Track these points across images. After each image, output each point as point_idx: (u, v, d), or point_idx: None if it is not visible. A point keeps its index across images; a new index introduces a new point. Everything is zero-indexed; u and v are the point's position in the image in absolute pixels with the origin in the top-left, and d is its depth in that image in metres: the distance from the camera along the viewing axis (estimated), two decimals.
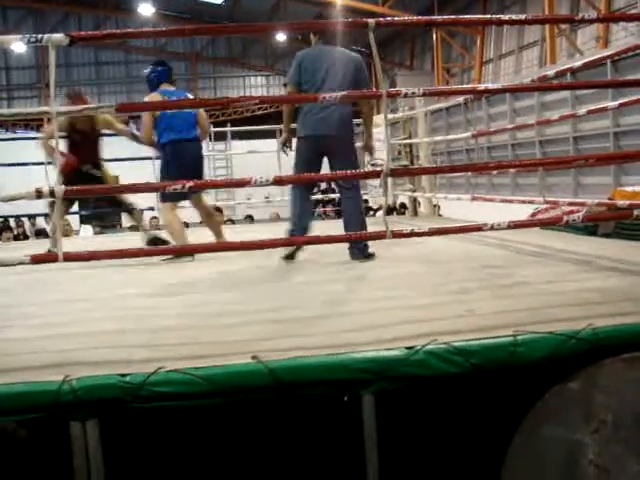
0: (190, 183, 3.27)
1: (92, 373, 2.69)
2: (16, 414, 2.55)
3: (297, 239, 3.50)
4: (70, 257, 3.39)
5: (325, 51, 5.60)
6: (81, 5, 29.93)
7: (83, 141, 6.92)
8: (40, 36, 3.49)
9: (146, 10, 26.92)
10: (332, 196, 19.30)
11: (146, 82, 6.65)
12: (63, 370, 2.73)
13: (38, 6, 30.31)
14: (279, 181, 3.48)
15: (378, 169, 3.71)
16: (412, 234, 3.71)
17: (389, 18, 3.83)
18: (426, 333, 2.95)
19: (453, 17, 4.15)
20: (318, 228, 6.07)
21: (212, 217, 6.93)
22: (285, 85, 6.63)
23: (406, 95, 3.52)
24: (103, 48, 30.95)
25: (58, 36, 3.48)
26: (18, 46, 24.16)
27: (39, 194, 3.37)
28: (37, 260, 3.45)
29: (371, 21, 3.55)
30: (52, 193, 3.30)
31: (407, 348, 2.78)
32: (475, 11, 21.36)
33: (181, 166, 6.31)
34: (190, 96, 6.55)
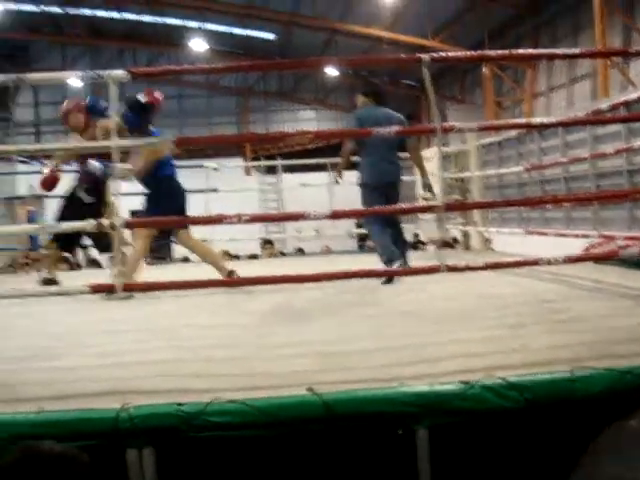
0: (247, 216, 3.32)
1: (149, 402, 2.74)
2: (75, 440, 2.58)
3: (359, 272, 3.50)
4: (129, 288, 3.45)
5: (378, 112, 6.59)
6: (135, 41, 30.52)
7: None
8: (101, 72, 3.60)
9: (199, 46, 27.40)
10: None
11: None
12: (121, 398, 2.78)
13: (94, 42, 31.02)
14: (335, 215, 3.51)
15: (432, 203, 3.70)
16: (467, 268, 3.70)
17: (442, 54, 3.86)
18: (480, 367, 2.95)
19: (506, 52, 4.17)
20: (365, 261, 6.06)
21: (206, 254, 6.75)
22: None
23: (461, 130, 3.53)
24: (156, 83, 31.46)
25: (119, 72, 3.58)
26: (74, 80, 24.67)
27: (100, 226, 3.45)
28: (96, 290, 3.52)
29: (425, 57, 3.58)
30: (112, 226, 3.38)
31: (462, 382, 2.77)
32: (526, 44, 21.29)
33: (174, 199, 6.50)
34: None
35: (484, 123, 3.69)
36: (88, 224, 3.46)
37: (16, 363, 3.57)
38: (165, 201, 6.43)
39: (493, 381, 2.77)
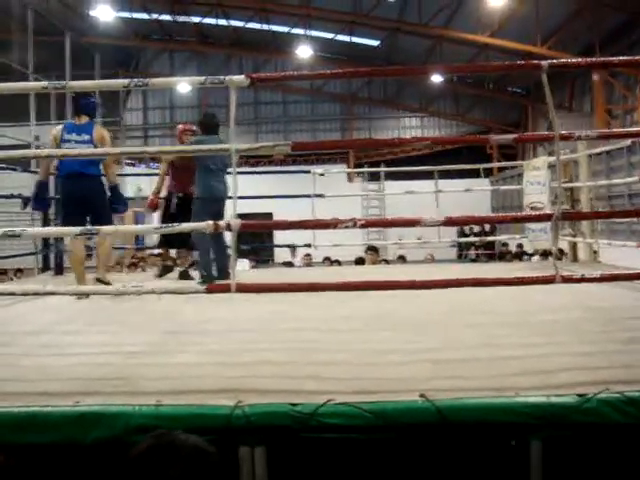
0: (362, 221, 3.34)
1: (263, 401, 2.79)
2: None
3: (467, 280, 3.47)
4: (242, 288, 3.52)
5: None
6: (242, 48, 31.09)
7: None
8: (222, 78, 3.67)
9: (305, 52, 27.67)
10: (488, 239, 19.12)
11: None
12: (235, 396, 2.84)
13: (202, 49, 31.75)
14: (449, 222, 3.49)
15: (546, 212, 3.64)
16: (583, 279, 3.62)
17: (563, 60, 3.79)
18: (595, 381, 2.89)
19: (629, 58, 4.06)
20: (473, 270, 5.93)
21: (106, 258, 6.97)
22: None
23: (579, 137, 3.47)
24: (262, 89, 31.94)
25: (240, 78, 3.64)
26: (182, 86, 25.54)
27: (216, 227, 3.53)
28: (212, 290, 3.61)
29: (544, 63, 3.53)
30: (228, 227, 3.45)
31: (579, 395, 2.73)
32: (638, 51, 20.65)
33: (72, 201, 6.53)
34: (99, 128, 6.67)
35: (603, 131, 3.58)
36: (206, 225, 3.55)
37: (134, 357, 3.70)
38: (64, 203, 6.74)
39: (611, 395, 2.72)
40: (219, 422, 2.73)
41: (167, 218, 8.00)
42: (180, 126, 8.79)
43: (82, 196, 6.42)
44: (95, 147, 6.36)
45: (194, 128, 8.01)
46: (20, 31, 17.96)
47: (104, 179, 6.71)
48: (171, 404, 2.83)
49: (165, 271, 8.37)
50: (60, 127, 6.61)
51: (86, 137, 6.42)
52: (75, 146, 6.32)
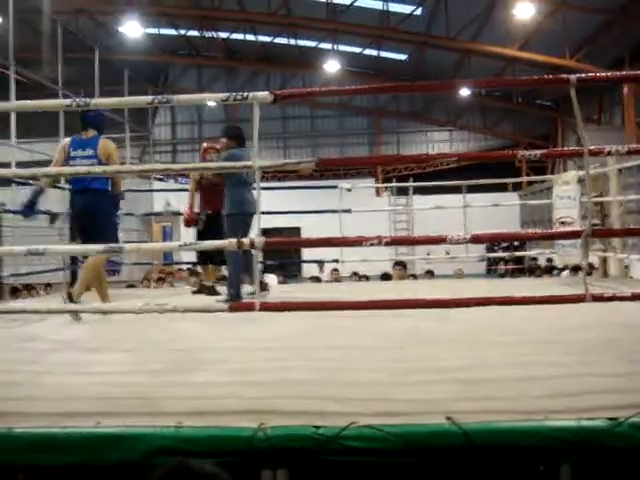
0: (387, 238, 3.29)
1: (286, 423, 2.74)
2: (211, 457, 2.61)
3: (495, 299, 3.39)
4: (266, 307, 3.48)
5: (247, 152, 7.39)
6: (269, 63, 31.20)
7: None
8: (246, 94, 3.64)
9: (332, 67, 27.68)
10: (517, 254, 18.96)
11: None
12: (257, 417, 2.78)
13: (229, 64, 31.91)
14: (476, 239, 3.42)
15: (571, 228, 3.56)
16: (614, 298, 3.52)
17: (591, 74, 3.72)
18: (626, 405, 2.80)
19: None
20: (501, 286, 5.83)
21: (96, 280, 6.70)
22: None
23: (609, 153, 3.39)
24: (289, 103, 31.98)
25: (263, 94, 3.61)
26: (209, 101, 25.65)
27: (240, 245, 3.49)
28: (235, 308, 3.56)
29: (572, 77, 3.47)
30: (252, 244, 3.41)
31: (609, 419, 2.64)
32: None
33: (76, 217, 6.67)
34: (105, 142, 6.42)
35: (634, 146, 3.46)
36: (229, 243, 3.52)
37: (155, 377, 3.66)
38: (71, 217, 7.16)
39: None
40: (241, 445, 2.68)
41: (198, 236, 8.21)
42: (204, 144, 8.88)
43: (85, 211, 6.39)
44: (100, 162, 6.21)
45: (217, 146, 7.97)
46: (50, 48, 18.14)
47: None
48: (192, 426, 2.78)
49: (207, 291, 8.30)
50: (69, 140, 6.52)
51: (90, 152, 6.32)
52: (80, 162, 6.23)
